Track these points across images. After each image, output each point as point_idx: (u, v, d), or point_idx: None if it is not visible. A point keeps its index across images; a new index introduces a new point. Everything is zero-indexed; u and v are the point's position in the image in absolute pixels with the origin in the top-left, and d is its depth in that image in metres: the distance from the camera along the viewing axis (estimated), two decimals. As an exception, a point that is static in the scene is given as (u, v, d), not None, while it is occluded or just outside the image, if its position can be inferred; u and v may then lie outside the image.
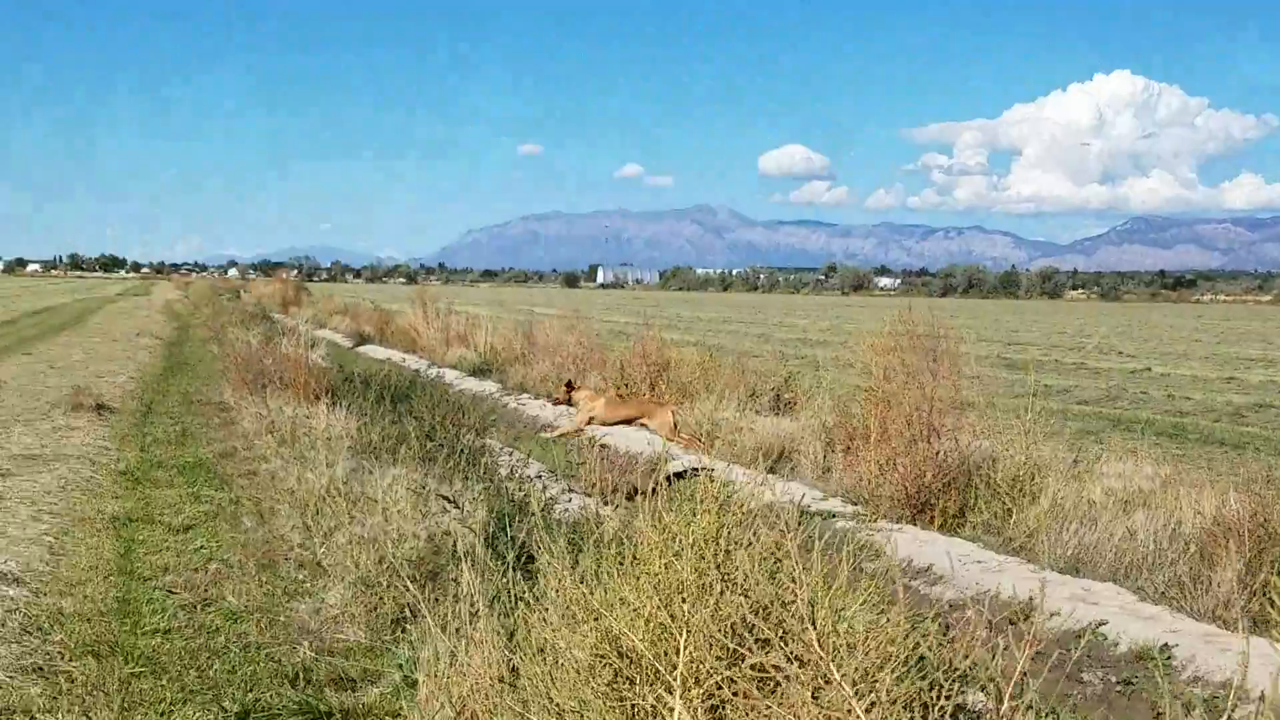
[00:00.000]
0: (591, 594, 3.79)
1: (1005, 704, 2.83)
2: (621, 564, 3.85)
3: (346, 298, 58.58)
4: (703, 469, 9.49)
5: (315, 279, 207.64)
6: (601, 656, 3.63)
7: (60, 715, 5.32)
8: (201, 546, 8.70)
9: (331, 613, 6.97)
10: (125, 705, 5.49)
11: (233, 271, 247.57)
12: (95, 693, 5.63)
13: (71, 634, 6.48)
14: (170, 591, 7.47)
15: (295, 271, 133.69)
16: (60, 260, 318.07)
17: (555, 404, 14.34)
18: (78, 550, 8.37)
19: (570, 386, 14.48)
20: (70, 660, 6.07)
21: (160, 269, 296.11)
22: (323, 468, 9.57)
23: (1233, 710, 3.45)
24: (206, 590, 7.53)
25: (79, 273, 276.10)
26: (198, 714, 5.44)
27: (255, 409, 14.54)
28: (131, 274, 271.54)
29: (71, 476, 10.93)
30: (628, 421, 14.10)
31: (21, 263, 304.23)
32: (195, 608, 7.15)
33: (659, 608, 3.53)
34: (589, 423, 14.19)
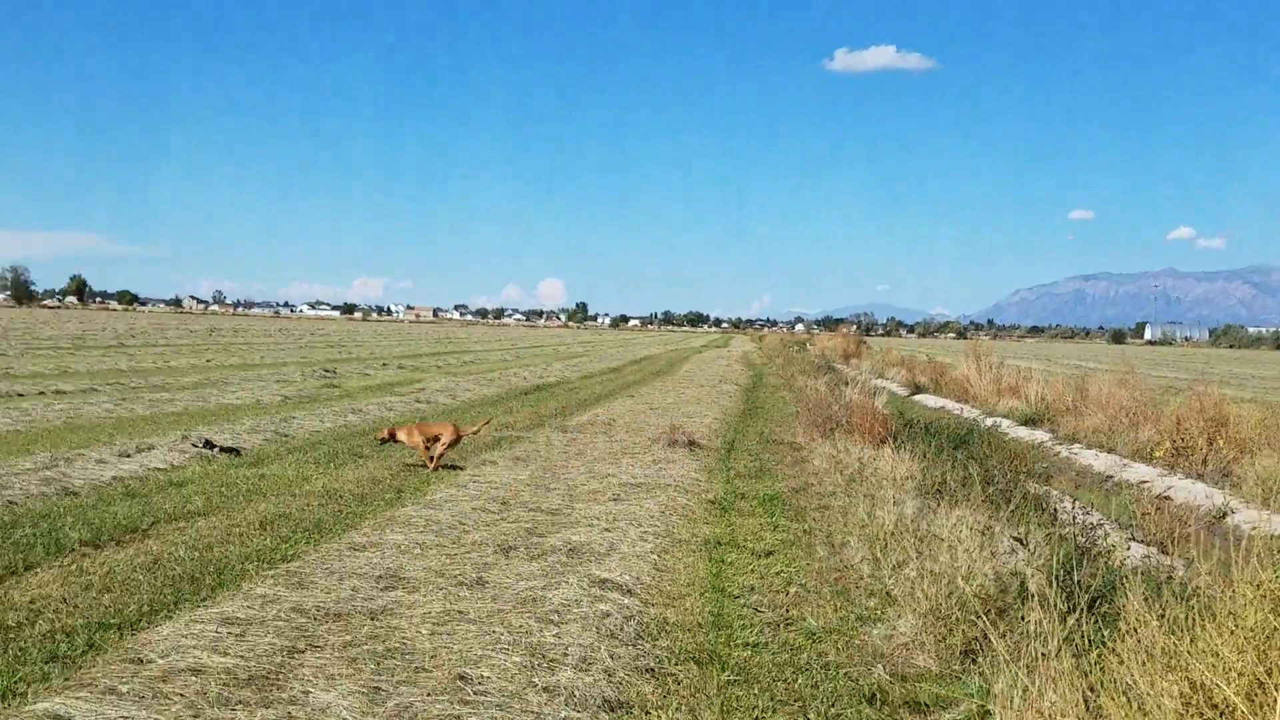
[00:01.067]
0: (1179, 642, 3.53)
1: None
2: (1209, 616, 3.57)
3: (902, 351, 59.10)
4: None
5: (872, 333, 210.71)
6: (1190, 705, 3.37)
7: (670, 713, 5.73)
8: (781, 571, 9.06)
9: (902, 639, 6.99)
10: (724, 708, 5.82)
11: (799, 326, 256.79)
12: (698, 695, 6.02)
13: (675, 642, 6.98)
14: (756, 610, 7.85)
15: (854, 327, 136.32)
16: (655, 316, 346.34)
17: (381, 441, 14.54)
18: (677, 568, 9.01)
19: (391, 433, 14.46)
20: (675, 665, 6.54)
21: (737, 324, 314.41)
22: (890, 505, 9.65)
23: None
24: (788, 610, 7.84)
25: (670, 327, 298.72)
26: (786, 722, 5.65)
27: (825, 449, 14.96)
28: (713, 329, 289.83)
29: (670, 503, 11.78)
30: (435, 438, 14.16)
31: (624, 318, 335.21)
32: (779, 626, 7.47)
33: (1255, 663, 3.23)
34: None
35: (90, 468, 12.34)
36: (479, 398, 25.34)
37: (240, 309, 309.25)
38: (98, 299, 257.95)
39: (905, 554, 8.09)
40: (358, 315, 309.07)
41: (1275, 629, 3.18)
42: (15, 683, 5.74)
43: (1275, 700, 3.12)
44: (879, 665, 6.55)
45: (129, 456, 13.25)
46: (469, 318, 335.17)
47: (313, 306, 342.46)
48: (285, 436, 16.19)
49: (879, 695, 6.02)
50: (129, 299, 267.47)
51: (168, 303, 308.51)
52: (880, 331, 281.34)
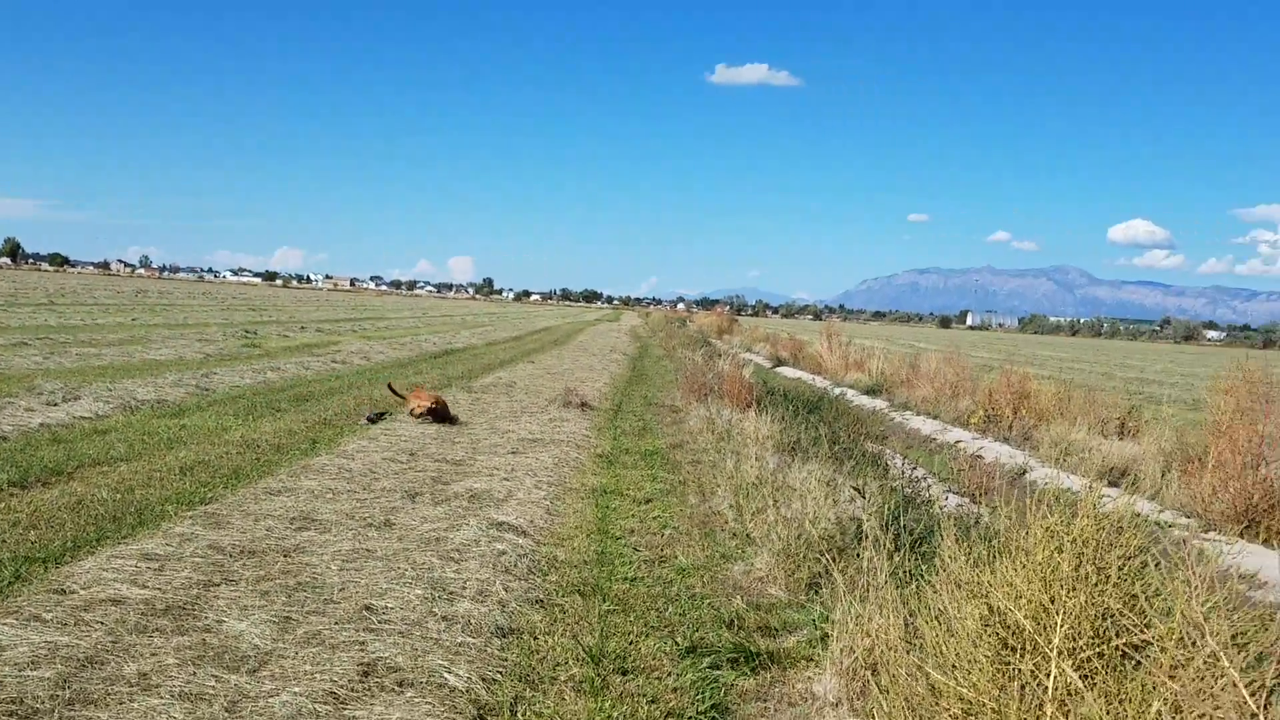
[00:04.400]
0: (981, 575, 3.78)
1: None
2: (1007, 553, 3.82)
3: (767, 329, 60.21)
4: None
5: (743, 313, 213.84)
6: (989, 626, 3.61)
7: (555, 637, 5.85)
8: (658, 516, 9.25)
9: (758, 574, 7.24)
10: (604, 633, 5.96)
11: (681, 305, 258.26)
12: (582, 622, 6.16)
13: (563, 576, 7.11)
14: (635, 549, 8.03)
15: (728, 307, 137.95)
16: (555, 292, 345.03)
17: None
18: (567, 513, 9.14)
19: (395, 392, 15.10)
20: (563, 596, 6.66)
21: (627, 301, 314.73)
22: (753, 460, 9.91)
23: None
24: (662, 550, 8.04)
25: (568, 302, 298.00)
26: (657, 645, 5.83)
27: (700, 412, 15.21)
28: (606, 305, 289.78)
29: (562, 456, 11.89)
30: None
31: (527, 293, 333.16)
32: (654, 563, 7.65)
33: (1040, 591, 3.48)
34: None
35: (19, 415, 11.91)
36: (391, 360, 25.04)
37: (166, 273, 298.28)
38: (30, 260, 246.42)
39: (764, 502, 8.33)
40: (279, 282, 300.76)
41: (1058, 563, 3.42)
42: (-53, 610, 5.59)
43: (1055, 622, 3.36)
44: (738, 596, 6.77)
45: (55, 406, 12.81)
46: (384, 288, 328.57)
47: (236, 273, 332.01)
48: (206, 391, 15.81)
49: (737, 621, 6.23)
50: (60, 261, 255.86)
51: (96, 265, 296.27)
52: (750, 312, 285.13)
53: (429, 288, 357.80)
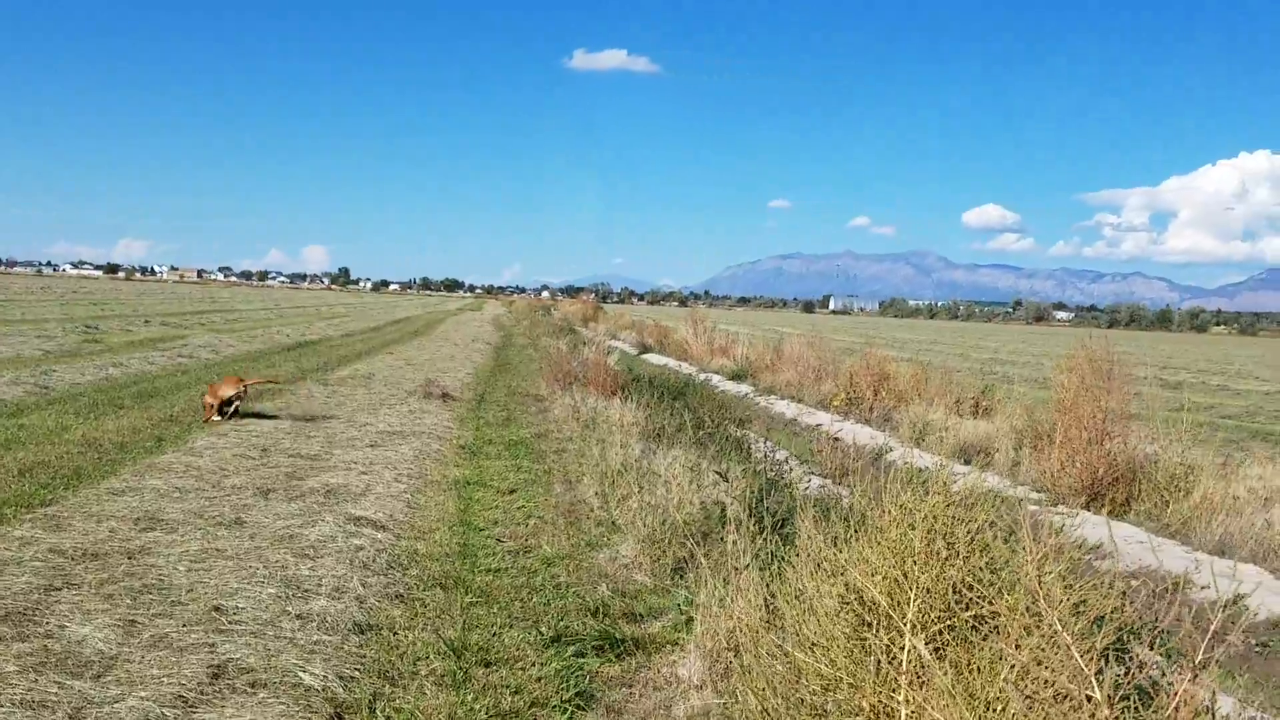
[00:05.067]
0: (839, 554, 3.83)
1: (1200, 655, 2.73)
2: (863, 532, 3.89)
3: (633, 316, 60.41)
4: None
5: (608, 301, 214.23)
6: (846, 604, 3.67)
7: (416, 632, 5.71)
8: (523, 506, 9.15)
9: (624, 561, 7.23)
10: (466, 626, 5.85)
11: (545, 293, 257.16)
12: (443, 615, 6.03)
13: (424, 570, 6.96)
14: (499, 540, 7.92)
15: (593, 294, 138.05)
16: (414, 282, 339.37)
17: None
18: (428, 505, 8.96)
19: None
20: (423, 590, 6.52)
21: (490, 290, 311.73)
22: (618, 448, 9.90)
23: None
24: (527, 540, 7.95)
25: (428, 292, 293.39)
26: (521, 635, 5.74)
27: (565, 400, 15.15)
28: (468, 294, 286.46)
29: (423, 448, 11.67)
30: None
31: (385, 283, 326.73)
32: (518, 553, 7.56)
33: (894, 568, 3.55)
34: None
35: None
36: (242, 353, 24.16)
37: (1, 267, 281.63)
38: None
39: (629, 489, 8.34)
40: (121, 275, 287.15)
41: (910, 540, 3.50)
42: None
43: (909, 596, 3.43)
44: (603, 584, 6.74)
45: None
46: (233, 279, 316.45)
47: (76, 266, 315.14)
48: (45, 389, 14.94)
49: (602, 609, 6.20)
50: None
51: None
52: (615, 299, 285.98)
53: (282, 278, 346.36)
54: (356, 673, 5.05)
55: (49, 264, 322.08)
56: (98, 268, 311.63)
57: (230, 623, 5.56)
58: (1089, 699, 2.63)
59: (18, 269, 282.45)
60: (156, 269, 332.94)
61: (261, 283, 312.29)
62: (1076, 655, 2.67)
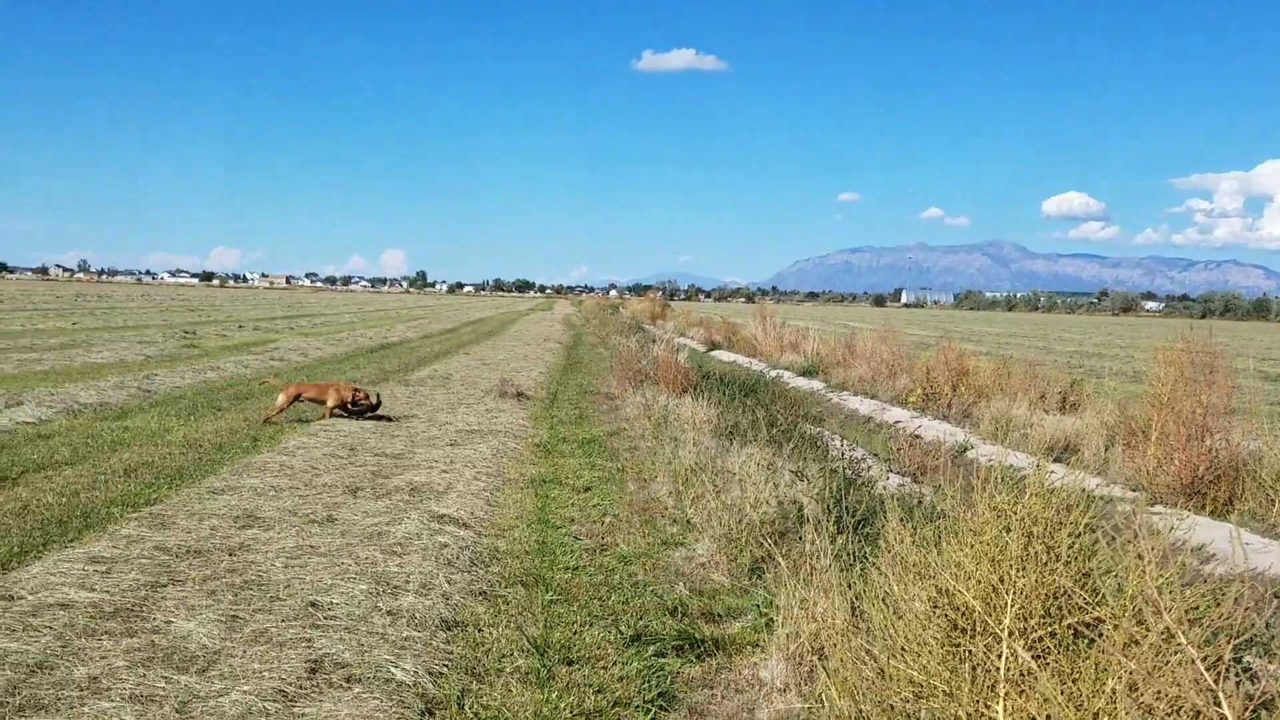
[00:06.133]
0: (928, 556, 3.67)
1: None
2: (954, 533, 3.72)
3: (701, 313, 59.97)
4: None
5: (675, 298, 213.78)
6: (938, 608, 3.51)
7: (500, 629, 5.65)
8: (598, 504, 9.06)
9: (700, 560, 7.09)
10: (548, 624, 5.78)
11: (613, 292, 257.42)
12: (525, 613, 5.97)
13: (506, 568, 6.91)
14: (576, 538, 7.83)
15: (660, 292, 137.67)
16: (487, 283, 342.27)
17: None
18: (507, 503, 8.92)
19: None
20: (505, 587, 6.46)
21: (559, 290, 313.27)
22: (690, 446, 9.76)
23: None
24: (603, 538, 7.85)
25: (500, 293, 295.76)
26: (601, 634, 5.65)
27: (636, 398, 15.02)
28: (538, 294, 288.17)
29: (501, 447, 11.65)
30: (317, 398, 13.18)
31: (460, 285, 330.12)
32: (595, 551, 7.47)
33: (989, 572, 3.38)
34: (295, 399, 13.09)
35: (-42, 423, 11.38)
36: (329, 355, 24.50)
37: (104, 276, 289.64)
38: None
39: (703, 487, 8.20)
40: (215, 282, 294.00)
41: (1006, 543, 3.32)
42: (-123, 624, 5.25)
43: (1006, 602, 3.26)
44: (680, 583, 6.62)
45: (-3, 412, 12.29)
46: (319, 284, 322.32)
47: (173, 274, 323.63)
48: (148, 392, 15.28)
49: (680, 608, 6.07)
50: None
51: (35, 271, 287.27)
52: (682, 296, 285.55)
53: (363, 283, 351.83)
54: (445, 669, 5.02)
55: (148, 272, 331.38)
56: (194, 275, 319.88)
57: (325, 618, 5.57)
58: (1220, 716, 2.43)
59: (119, 278, 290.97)
60: (248, 276, 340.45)
61: (345, 287, 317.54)
62: (1200, 666, 2.48)
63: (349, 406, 13.17)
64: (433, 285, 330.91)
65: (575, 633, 5.66)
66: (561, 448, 12.07)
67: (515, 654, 5.28)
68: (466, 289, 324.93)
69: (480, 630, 5.62)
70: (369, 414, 13.30)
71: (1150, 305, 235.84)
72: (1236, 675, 2.57)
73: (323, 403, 13.18)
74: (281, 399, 12.92)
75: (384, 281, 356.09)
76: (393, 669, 4.90)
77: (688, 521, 8.09)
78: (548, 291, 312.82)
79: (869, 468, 9.07)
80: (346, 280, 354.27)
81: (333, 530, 7.49)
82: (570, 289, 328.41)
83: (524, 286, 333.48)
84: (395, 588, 6.16)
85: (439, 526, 7.69)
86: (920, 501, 6.10)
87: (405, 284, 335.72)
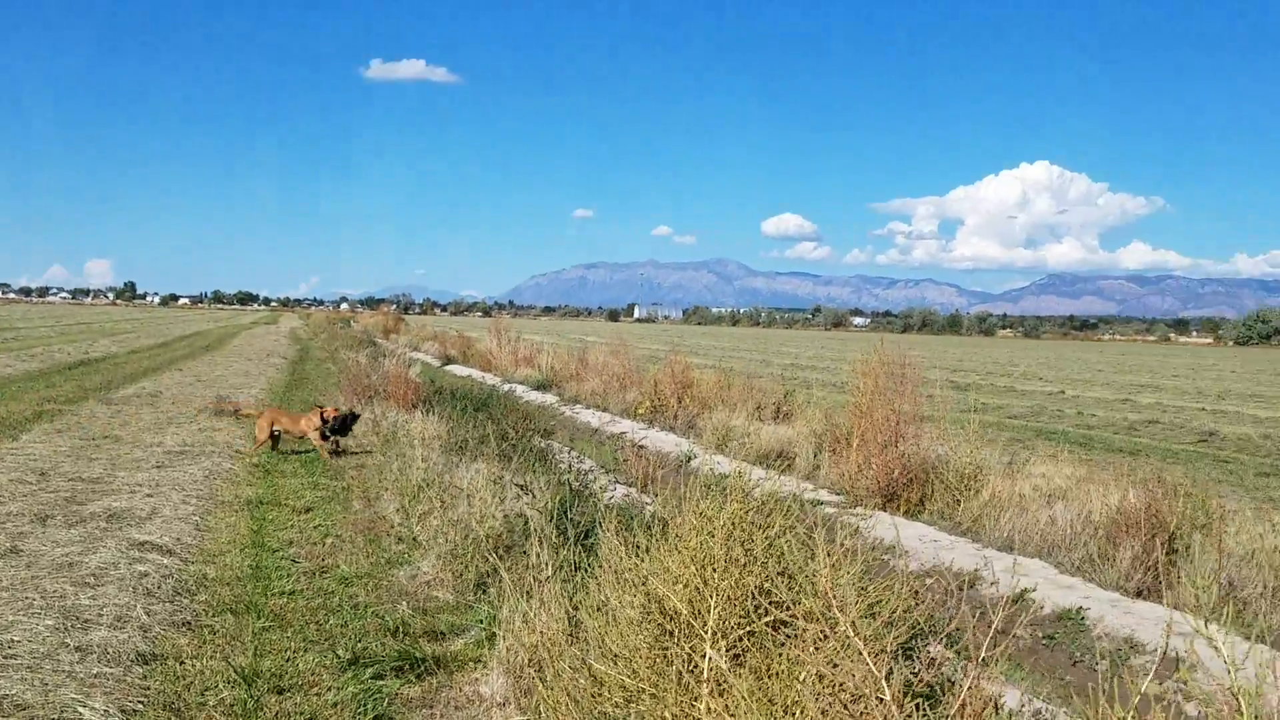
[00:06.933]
0: (640, 563, 3.76)
1: (982, 653, 2.79)
2: (665, 540, 3.83)
3: (436, 327, 58.96)
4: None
5: (410, 312, 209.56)
6: (648, 614, 3.60)
7: (204, 660, 5.31)
8: (319, 524, 8.70)
9: (425, 578, 6.95)
10: (258, 652, 5.48)
11: (344, 305, 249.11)
12: (233, 642, 5.63)
13: (214, 595, 6.49)
14: (294, 561, 7.48)
15: (394, 306, 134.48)
16: (205, 295, 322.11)
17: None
18: (219, 527, 8.40)
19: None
20: (213, 616, 6.07)
21: (286, 303, 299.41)
22: (419, 462, 9.57)
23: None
24: (324, 560, 7.55)
25: (220, 305, 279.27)
26: (316, 660, 5.41)
27: (365, 414, 14.57)
28: (262, 307, 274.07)
29: (214, 468, 10.98)
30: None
31: (174, 297, 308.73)
32: (315, 574, 7.16)
33: (695, 575, 3.51)
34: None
35: None
36: (20, 373, 22.18)
37: None
38: None
39: (431, 504, 8.06)
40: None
41: (710, 548, 3.46)
42: None
43: (710, 605, 3.39)
44: (404, 602, 6.45)
45: None
46: (11, 296, 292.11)
47: None
48: None
49: (402, 628, 5.91)
50: None
51: None
52: (418, 310, 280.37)
53: (63, 294, 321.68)
54: (141, 705, 4.64)
55: None
56: None
57: (4, 658, 5.02)
58: (880, 700, 2.65)
59: None
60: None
61: (41, 299, 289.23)
62: (868, 658, 2.69)
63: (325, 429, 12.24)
64: (143, 297, 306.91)
65: (288, 660, 5.39)
66: (282, 467, 11.51)
67: (220, 685, 4.95)
68: (182, 301, 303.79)
69: (182, 663, 5.24)
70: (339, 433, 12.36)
71: (858, 321, 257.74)
72: (914, 662, 2.80)
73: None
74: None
75: (87, 293, 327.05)
76: (80, 708, 4.49)
77: (414, 539, 7.91)
78: (273, 305, 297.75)
79: (596, 479, 9.21)
80: (43, 291, 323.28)
81: (16, 562, 6.78)
82: (298, 302, 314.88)
83: (247, 299, 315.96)
84: (86, 621, 5.64)
85: (140, 554, 7.12)
86: (641, 511, 6.26)
87: (112, 295, 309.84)
